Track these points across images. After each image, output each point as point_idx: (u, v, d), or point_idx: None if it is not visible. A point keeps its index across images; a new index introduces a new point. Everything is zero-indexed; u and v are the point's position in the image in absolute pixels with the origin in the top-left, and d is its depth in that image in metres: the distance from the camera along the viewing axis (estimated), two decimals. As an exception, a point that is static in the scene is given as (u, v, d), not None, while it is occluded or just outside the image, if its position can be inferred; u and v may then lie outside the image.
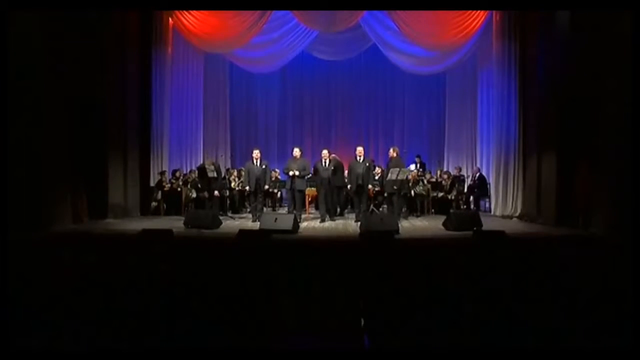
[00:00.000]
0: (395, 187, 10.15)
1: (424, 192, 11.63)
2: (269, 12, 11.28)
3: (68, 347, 2.90)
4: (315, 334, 3.72)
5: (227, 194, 11.44)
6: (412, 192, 11.34)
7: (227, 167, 12.91)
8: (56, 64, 8.76)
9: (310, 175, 10.42)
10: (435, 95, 14.64)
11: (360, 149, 10.19)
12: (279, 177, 12.37)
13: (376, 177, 11.26)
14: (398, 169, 10.07)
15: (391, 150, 10.47)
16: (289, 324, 3.88)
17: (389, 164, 10.36)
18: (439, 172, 12.75)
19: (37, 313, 3.18)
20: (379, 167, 12.15)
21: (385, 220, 8.74)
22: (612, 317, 3.22)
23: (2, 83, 7.31)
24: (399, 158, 10.45)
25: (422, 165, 13.10)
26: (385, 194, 10.63)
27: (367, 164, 10.13)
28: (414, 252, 5.82)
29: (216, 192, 10.08)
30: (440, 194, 11.89)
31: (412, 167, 12.32)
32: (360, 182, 10.00)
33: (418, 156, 13.47)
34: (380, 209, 11.43)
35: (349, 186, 10.48)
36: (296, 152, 10.20)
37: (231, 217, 10.76)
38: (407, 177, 11.01)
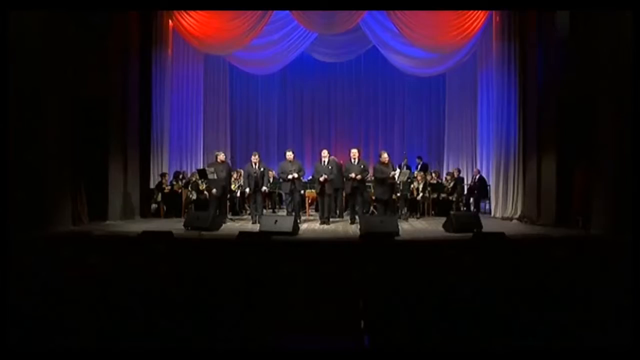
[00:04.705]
0: (399, 194, 10.13)
1: (427, 195, 11.64)
2: (268, 13, 11.29)
3: (68, 347, 2.90)
4: (316, 334, 3.72)
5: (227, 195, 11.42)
6: (419, 195, 11.37)
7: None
8: (57, 65, 8.77)
9: (311, 177, 10.42)
10: (435, 97, 14.65)
11: (354, 151, 10.12)
12: (276, 176, 12.34)
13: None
14: (398, 171, 10.07)
15: (385, 155, 10.17)
16: (289, 324, 3.88)
17: (377, 167, 10.06)
18: (436, 174, 12.71)
19: (37, 313, 3.18)
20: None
21: (385, 222, 8.73)
22: (612, 317, 3.22)
23: (3, 83, 7.32)
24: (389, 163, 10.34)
25: (424, 167, 13.09)
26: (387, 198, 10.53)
27: (362, 166, 10.07)
28: (414, 254, 5.81)
29: (214, 191, 10.05)
30: (442, 196, 11.89)
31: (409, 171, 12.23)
32: (354, 184, 9.89)
33: (419, 157, 13.47)
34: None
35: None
36: (290, 155, 10.18)
37: (231, 219, 10.76)
38: (407, 179, 11.05)
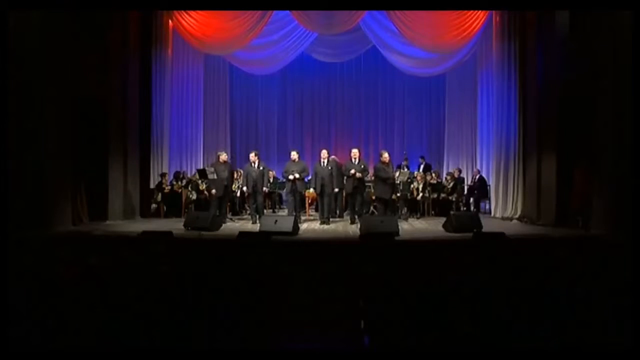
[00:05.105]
0: (399, 194, 10.11)
1: (427, 195, 11.64)
2: (268, 13, 11.29)
3: (68, 347, 2.90)
4: (316, 334, 3.72)
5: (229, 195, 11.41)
6: (419, 195, 11.38)
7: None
8: (57, 65, 8.77)
9: (310, 177, 10.43)
10: (435, 97, 14.64)
11: (355, 151, 10.14)
12: (276, 176, 12.33)
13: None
14: (398, 172, 10.07)
15: (386, 154, 10.06)
16: (289, 324, 3.88)
17: (379, 166, 9.93)
18: (436, 174, 12.70)
19: (37, 313, 3.18)
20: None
21: (385, 222, 8.73)
22: (612, 318, 3.22)
23: (3, 83, 7.32)
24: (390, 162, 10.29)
25: (427, 167, 13.10)
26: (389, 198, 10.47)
27: (363, 166, 10.06)
28: (414, 254, 5.81)
29: (214, 191, 10.06)
30: (442, 196, 11.89)
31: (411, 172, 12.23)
32: (355, 183, 9.84)
33: (422, 157, 13.49)
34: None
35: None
36: (294, 155, 10.24)
37: (231, 219, 10.76)
38: (407, 179, 11.05)
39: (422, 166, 13.03)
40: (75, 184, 9.50)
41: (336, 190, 10.05)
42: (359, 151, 10.26)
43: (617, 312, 3.25)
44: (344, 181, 10.18)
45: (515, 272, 4.28)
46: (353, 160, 9.96)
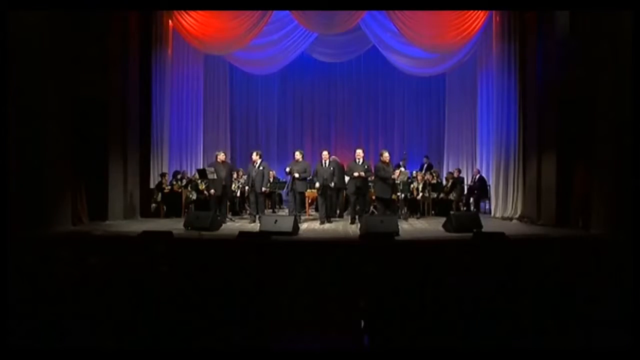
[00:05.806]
0: (399, 194, 10.11)
1: (427, 195, 11.64)
2: (268, 13, 11.29)
3: (68, 347, 2.90)
4: (316, 334, 3.72)
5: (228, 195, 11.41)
6: (419, 195, 11.38)
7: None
8: (57, 65, 8.78)
9: (311, 177, 10.44)
10: (435, 97, 14.65)
11: (359, 152, 10.15)
12: (276, 176, 12.33)
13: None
14: (398, 171, 10.07)
15: (386, 154, 10.04)
16: (289, 324, 3.88)
17: (379, 165, 9.87)
18: (435, 173, 12.70)
19: (37, 313, 3.18)
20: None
21: (385, 222, 8.72)
22: (612, 318, 3.22)
23: (3, 83, 7.33)
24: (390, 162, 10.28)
25: (430, 166, 13.10)
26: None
27: (366, 167, 10.06)
28: (414, 254, 5.81)
29: (212, 191, 10.08)
30: (442, 195, 11.89)
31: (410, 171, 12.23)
32: (358, 184, 9.89)
33: (426, 156, 13.49)
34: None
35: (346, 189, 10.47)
36: (297, 155, 10.26)
37: (231, 219, 10.76)
38: (407, 179, 11.05)
39: (425, 166, 13.04)
40: (75, 184, 9.50)
41: (333, 184, 10.06)
42: (363, 152, 10.27)
43: (617, 312, 3.25)
44: (346, 181, 10.18)
45: (515, 272, 4.28)
46: (357, 160, 9.98)
